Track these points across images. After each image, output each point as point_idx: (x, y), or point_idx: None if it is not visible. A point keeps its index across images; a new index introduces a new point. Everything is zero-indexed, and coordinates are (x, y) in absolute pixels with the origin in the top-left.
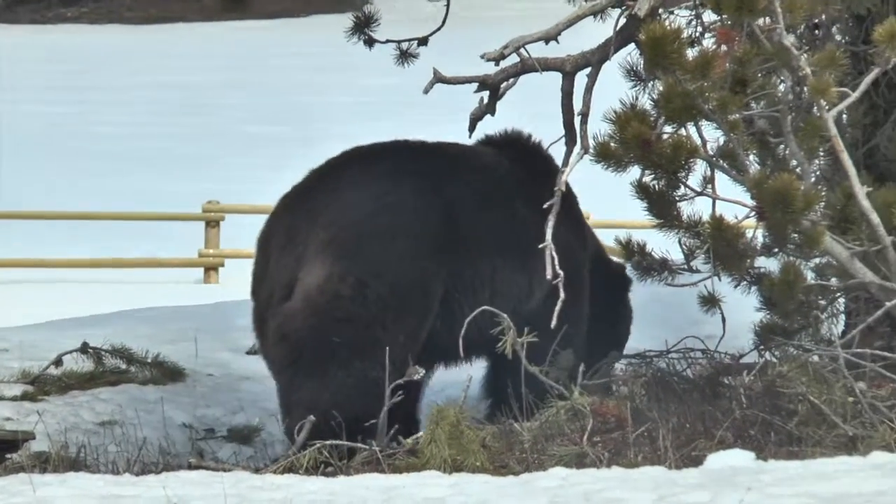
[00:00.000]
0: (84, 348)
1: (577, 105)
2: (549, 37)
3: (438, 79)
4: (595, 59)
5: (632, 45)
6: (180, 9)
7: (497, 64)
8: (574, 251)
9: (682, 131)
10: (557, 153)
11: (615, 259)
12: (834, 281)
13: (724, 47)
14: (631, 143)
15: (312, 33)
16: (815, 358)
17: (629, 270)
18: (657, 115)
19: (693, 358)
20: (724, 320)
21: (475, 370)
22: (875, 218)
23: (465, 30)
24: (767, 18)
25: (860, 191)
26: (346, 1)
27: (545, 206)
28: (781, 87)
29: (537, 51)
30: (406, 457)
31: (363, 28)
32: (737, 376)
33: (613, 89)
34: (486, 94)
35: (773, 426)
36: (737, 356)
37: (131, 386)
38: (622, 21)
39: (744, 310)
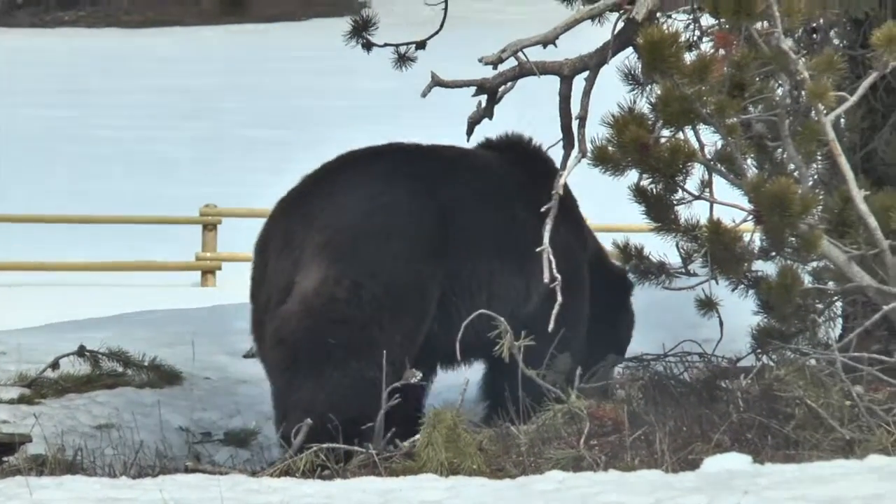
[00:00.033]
0: (81, 351)
1: (575, 109)
2: (547, 40)
3: (436, 82)
4: (593, 62)
5: (630, 49)
6: (178, 12)
7: (495, 67)
8: (573, 254)
9: (680, 135)
10: (555, 157)
11: (617, 262)
12: (831, 284)
13: (721, 51)
14: (629, 146)
15: (311, 37)
16: (813, 361)
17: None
18: (655, 118)
19: (690, 361)
20: (721, 324)
21: (472, 373)
22: (872, 221)
23: (463, 33)
24: (765, 22)
25: (858, 194)
26: (344, 4)
27: (543, 209)
28: (779, 91)
29: (535, 54)
30: (403, 460)
31: (361, 32)
32: (734, 380)
33: (611, 93)
34: (484, 98)
35: (770, 430)
36: (734, 360)
37: (128, 389)
38: (620, 25)
39: (741, 313)
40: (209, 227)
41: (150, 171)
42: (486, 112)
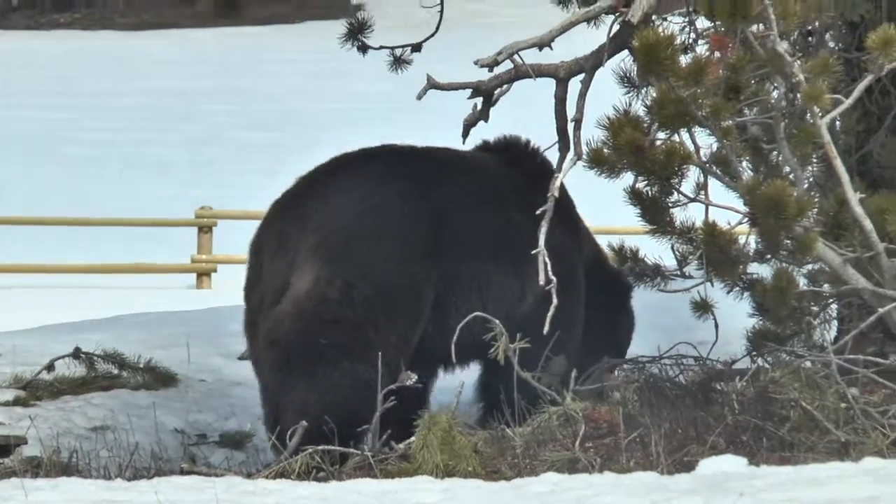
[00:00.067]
0: (76, 353)
1: (571, 111)
2: (543, 43)
3: (432, 85)
4: (588, 65)
5: (625, 52)
6: (173, 15)
7: (491, 70)
8: (567, 256)
9: (676, 137)
10: (551, 159)
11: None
12: (826, 287)
13: (717, 54)
14: (624, 149)
15: (306, 39)
16: (808, 364)
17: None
18: (650, 121)
19: (685, 364)
20: (716, 326)
21: (467, 375)
22: (868, 224)
23: (459, 36)
24: (761, 25)
25: (853, 197)
26: (339, 7)
27: (538, 211)
28: (775, 94)
29: (531, 57)
30: (398, 462)
31: (357, 34)
32: (729, 382)
33: (607, 96)
34: (479, 101)
35: (765, 432)
36: (729, 362)
37: (123, 391)
38: (616, 27)
39: (736, 316)
40: (204, 229)
41: (146, 173)
42: (482, 114)
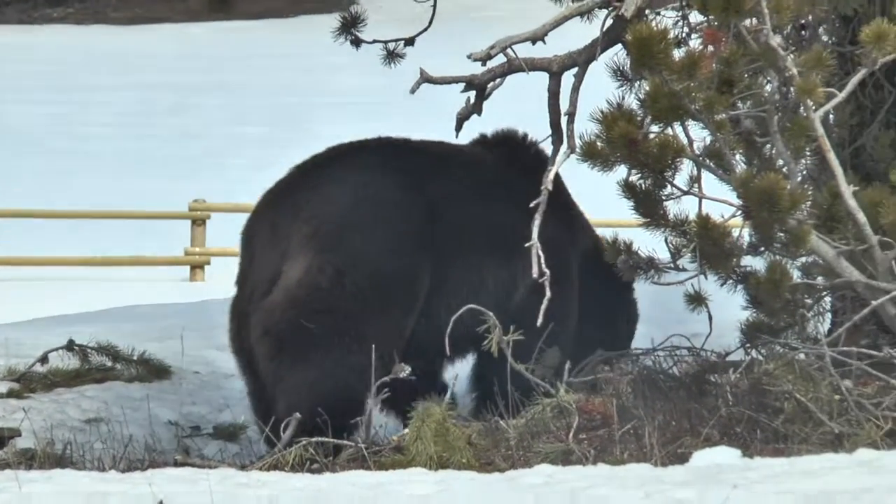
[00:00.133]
0: (70, 346)
1: (564, 105)
2: (536, 37)
3: (425, 79)
4: (582, 59)
5: (618, 46)
6: (166, 9)
7: (484, 64)
8: (559, 249)
9: (669, 131)
10: (547, 152)
11: None
12: (820, 280)
13: (710, 48)
14: (617, 142)
15: (298, 34)
16: (802, 356)
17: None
18: (644, 114)
19: (679, 356)
20: (710, 318)
21: (461, 367)
22: (861, 217)
23: (452, 30)
24: (754, 19)
25: (846, 190)
26: (332, 1)
27: (532, 204)
28: (768, 88)
29: (524, 51)
30: (392, 454)
31: (350, 28)
32: (723, 374)
33: (600, 89)
34: (472, 94)
35: (759, 424)
36: (723, 354)
37: (117, 383)
38: (609, 22)
39: (730, 308)
40: (198, 222)
41: (139, 166)
42: (475, 108)
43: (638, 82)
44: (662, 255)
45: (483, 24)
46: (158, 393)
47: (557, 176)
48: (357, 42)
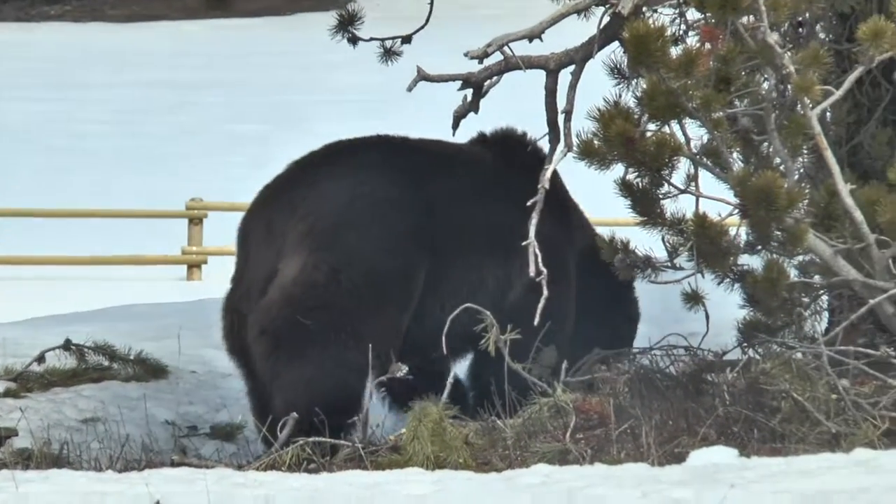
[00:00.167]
0: (67, 345)
1: (561, 103)
2: (533, 35)
3: (422, 77)
4: (579, 57)
5: (615, 43)
6: (163, 7)
7: (481, 62)
8: (555, 247)
9: (666, 129)
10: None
11: None
12: (817, 278)
13: (707, 45)
14: (615, 140)
15: (296, 31)
16: (799, 355)
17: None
18: (641, 112)
19: (676, 355)
20: (707, 317)
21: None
22: (858, 215)
23: (449, 28)
24: (751, 16)
25: (844, 188)
26: None
27: (528, 203)
28: (765, 85)
29: (521, 49)
30: (389, 454)
31: (347, 26)
32: (720, 373)
33: (597, 87)
34: (469, 92)
35: (756, 423)
36: (720, 353)
37: (114, 383)
38: (606, 19)
39: (727, 307)
40: (195, 221)
41: (136, 165)
42: (472, 106)
43: (635, 80)
44: (659, 253)
45: (480, 22)
46: (155, 392)
47: (556, 174)
48: (354, 40)
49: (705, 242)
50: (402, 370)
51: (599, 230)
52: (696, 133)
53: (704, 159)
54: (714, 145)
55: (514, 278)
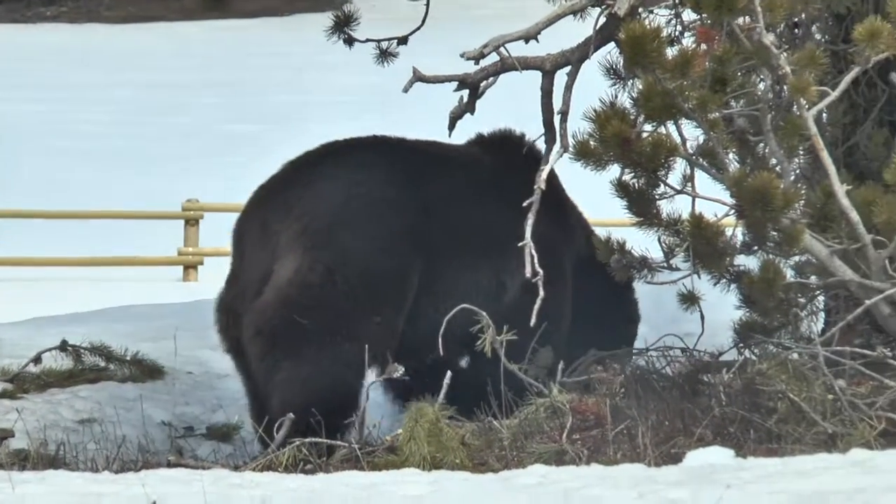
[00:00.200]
0: (63, 346)
1: (557, 104)
2: (529, 36)
3: (418, 78)
4: (575, 57)
5: (612, 44)
6: (160, 8)
7: (477, 63)
8: (551, 248)
9: (662, 130)
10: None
11: None
12: (813, 279)
13: (703, 46)
14: (611, 141)
15: (292, 32)
16: (795, 356)
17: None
18: (637, 113)
19: (672, 356)
20: (703, 318)
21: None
22: (854, 216)
23: (445, 29)
24: (747, 17)
25: (840, 189)
26: (325, 0)
27: (525, 203)
28: (761, 86)
29: (517, 50)
30: (385, 454)
31: (343, 27)
32: (716, 374)
33: (593, 88)
34: (465, 93)
35: (752, 424)
36: (716, 354)
37: (111, 384)
38: (602, 20)
39: (723, 308)
40: (191, 222)
41: (132, 166)
42: (468, 107)
43: (631, 81)
44: (656, 254)
45: (476, 23)
46: (152, 393)
47: (553, 175)
48: (350, 41)
49: (701, 243)
50: (398, 370)
51: (596, 231)
52: (692, 134)
53: (701, 160)
54: (710, 146)
55: (511, 279)
